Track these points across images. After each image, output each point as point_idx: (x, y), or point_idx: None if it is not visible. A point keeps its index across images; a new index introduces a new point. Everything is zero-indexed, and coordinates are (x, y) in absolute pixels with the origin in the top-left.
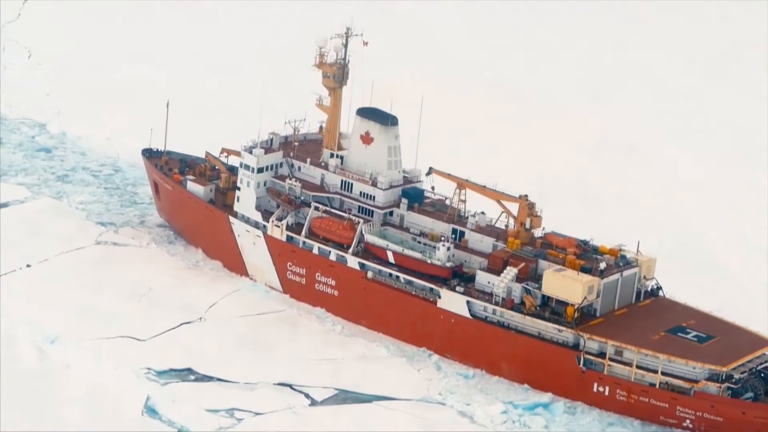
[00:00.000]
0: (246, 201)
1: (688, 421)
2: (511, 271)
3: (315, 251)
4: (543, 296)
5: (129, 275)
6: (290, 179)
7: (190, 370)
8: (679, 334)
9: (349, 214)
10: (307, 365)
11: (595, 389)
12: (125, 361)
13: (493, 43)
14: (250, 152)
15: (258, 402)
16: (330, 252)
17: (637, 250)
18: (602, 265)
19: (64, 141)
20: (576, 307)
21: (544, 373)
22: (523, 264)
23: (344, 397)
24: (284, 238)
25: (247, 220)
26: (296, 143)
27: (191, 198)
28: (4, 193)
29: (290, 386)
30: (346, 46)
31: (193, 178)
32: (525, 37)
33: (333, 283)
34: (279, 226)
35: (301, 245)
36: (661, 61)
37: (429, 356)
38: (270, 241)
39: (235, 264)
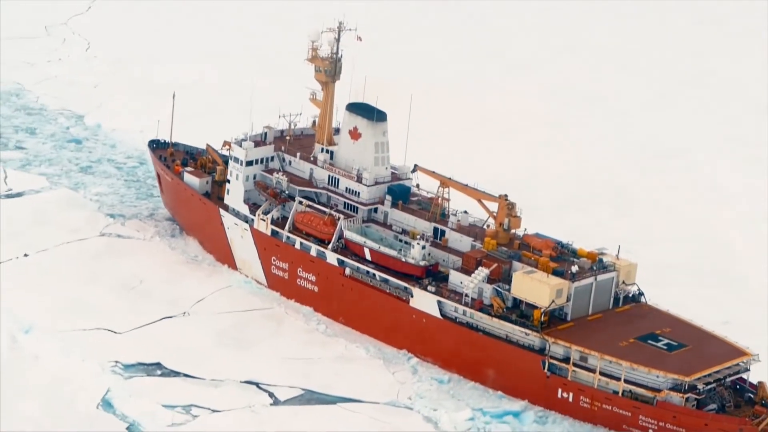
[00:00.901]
0: (235, 194)
1: (650, 430)
2: (482, 272)
3: (297, 246)
4: (514, 299)
5: (124, 268)
6: (278, 173)
7: (158, 365)
8: (649, 341)
9: (334, 209)
10: (280, 364)
11: (559, 395)
12: (94, 354)
13: (522, 41)
14: (240, 145)
15: (218, 399)
16: (311, 247)
17: (617, 255)
18: (574, 269)
19: (97, 133)
20: (543, 310)
21: (510, 376)
22: (495, 265)
23: (309, 397)
24: (269, 232)
25: (236, 214)
26: (288, 137)
27: (187, 190)
28: (22, 183)
29: (257, 385)
30: (338, 40)
31: (191, 170)
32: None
33: (313, 279)
34: (264, 220)
35: (284, 240)
36: (734, 67)
37: (408, 359)
38: (256, 234)
39: (226, 257)
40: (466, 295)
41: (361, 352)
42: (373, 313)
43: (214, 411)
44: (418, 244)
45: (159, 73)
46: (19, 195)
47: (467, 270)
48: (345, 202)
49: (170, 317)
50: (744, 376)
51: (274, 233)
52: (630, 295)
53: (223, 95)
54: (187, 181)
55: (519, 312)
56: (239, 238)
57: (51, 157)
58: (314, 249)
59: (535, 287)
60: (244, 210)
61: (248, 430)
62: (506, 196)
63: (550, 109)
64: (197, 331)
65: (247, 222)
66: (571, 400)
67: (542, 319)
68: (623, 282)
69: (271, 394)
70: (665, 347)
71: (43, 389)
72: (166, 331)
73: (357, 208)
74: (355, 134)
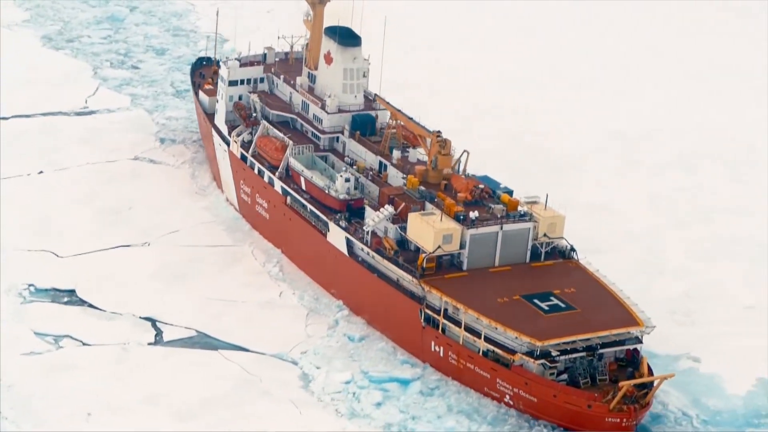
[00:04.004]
0: (219, 114)
1: (508, 396)
2: (385, 211)
3: (256, 171)
4: (408, 241)
5: (125, 192)
6: (254, 94)
7: (71, 293)
8: (535, 300)
9: (289, 135)
10: (195, 304)
11: (432, 348)
12: (13, 275)
13: None
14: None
15: (99, 333)
16: (264, 173)
17: (546, 205)
18: (473, 214)
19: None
20: (425, 256)
21: (395, 324)
22: (403, 204)
23: (196, 341)
24: (239, 156)
25: (220, 134)
26: (290, 60)
27: (198, 108)
28: (104, 101)
29: (154, 322)
30: None
31: (208, 89)
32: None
33: (265, 206)
34: (237, 142)
35: (248, 164)
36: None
37: (339, 311)
38: (231, 156)
39: (218, 179)
40: (367, 233)
41: (293, 300)
42: (301, 246)
43: (84, 344)
44: (341, 176)
45: None
46: (90, 113)
47: (381, 207)
48: (311, 130)
49: (127, 246)
50: (638, 348)
51: (243, 157)
52: (559, 250)
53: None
54: (201, 99)
55: (411, 255)
56: (222, 160)
57: (157, 78)
58: (267, 175)
59: (423, 230)
60: (225, 130)
61: (104, 367)
62: (439, 132)
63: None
64: (141, 263)
65: (226, 143)
66: (441, 354)
67: (425, 265)
68: (545, 235)
69: (159, 333)
70: (547, 308)
71: None
72: (107, 260)
73: (319, 136)
74: (328, 58)
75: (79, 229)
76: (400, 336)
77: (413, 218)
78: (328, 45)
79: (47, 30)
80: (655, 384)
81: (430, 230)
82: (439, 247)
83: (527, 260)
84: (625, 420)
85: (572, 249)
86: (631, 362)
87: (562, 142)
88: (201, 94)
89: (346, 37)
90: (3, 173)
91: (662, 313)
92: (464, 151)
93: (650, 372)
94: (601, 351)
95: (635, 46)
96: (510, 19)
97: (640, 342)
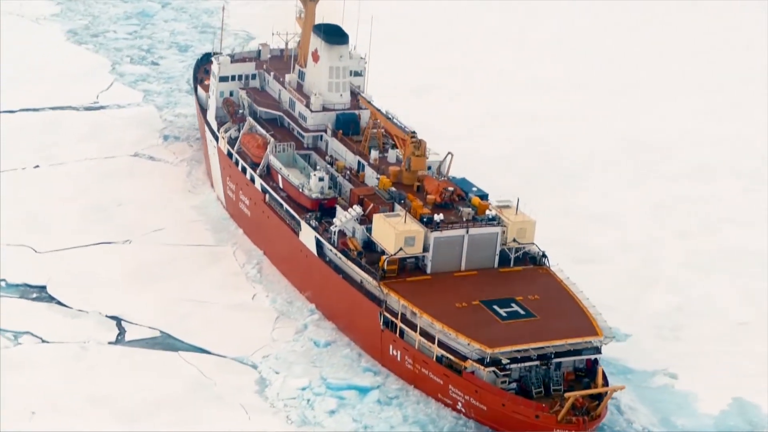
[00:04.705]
0: (210, 110)
1: (460, 404)
2: (353, 211)
3: (239, 168)
4: (372, 243)
5: (117, 189)
6: (243, 91)
7: (42, 289)
8: (494, 306)
9: (272, 133)
10: (166, 304)
11: (390, 352)
12: None
13: None
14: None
15: (60, 331)
16: (247, 171)
17: (517, 210)
18: (438, 217)
19: None
20: (386, 258)
21: (356, 326)
22: (372, 205)
23: (157, 342)
24: (226, 152)
25: (211, 130)
26: (269, 56)
27: (197, 105)
28: (114, 97)
29: (119, 321)
30: None
31: (207, 84)
32: None
33: (247, 203)
34: (224, 138)
35: (233, 160)
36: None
37: (310, 314)
38: (219, 153)
39: (210, 175)
40: (334, 233)
41: (265, 303)
42: (277, 245)
43: (43, 341)
44: (315, 175)
45: None
46: (99, 108)
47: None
48: (296, 128)
49: (108, 243)
50: (598, 358)
51: (229, 154)
52: (530, 256)
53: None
54: (199, 95)
55: (376, 257)
56: (212, 156)
57: (175, 75)
58: (249, 172)
59: (385, 232)
60: (215, 126)
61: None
62: (414, 133)
63: None
64: (118, 261)
65: (216, 139)
66: (399, 359)
67: (386, 267)
68: (514, 240)
69: (121, 333)
70: (505, 314)
71: None
72: (84, 257)
73: (303, 134)
74: (315, 56)
75: (62, 225)
76: (362, 339)
77: (377, 219)
78: (315, 42)
79: (74, 24)
80: (606, 396)
81: (391, 232)
82: (400, 249)
83: (495, 265)
84: None
85: (544, 255)
86: (591, 372)
87: (575, 149)
88: (199, 89)
89: (333, 35)
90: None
91: (648, 326)
92: (448, 153)
93: (606, 383)
94: (558, 360)
95: (659, 54)
96: (531, 22)
97: (599, 352)
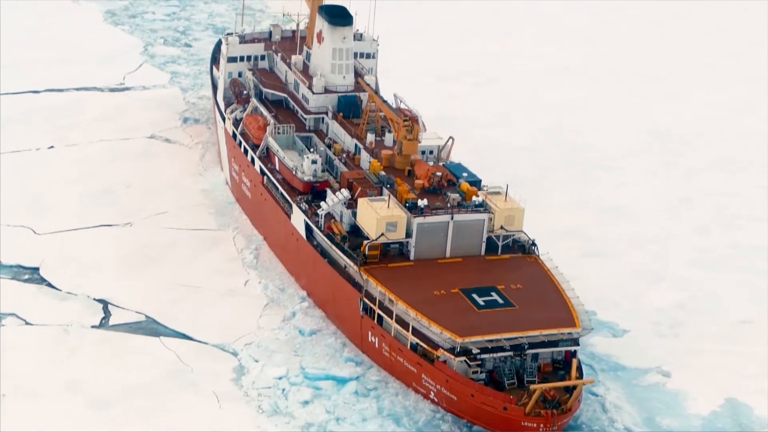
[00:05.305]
0: (220, 90)
1: (432, 393)
2: (340, 195)
3: (242, 149)
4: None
5: (128, 171)
6: (251, 72)
7: (35, 270)
8: (473, 294)
9: (273, 114)
10: (156, 289)
11: (369, 338)
12: None
13: None
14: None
15: (45, 313)
16: (248, 152)
17: (506, 197)
18: (422, 202)
19: None
20: (367, 243)
21: (340, 312)
22: (359, 189)
23: (141, 327)
24: (231, 133)
25: (219, 111)
26: (278, 38)
27: (212, 85)
28: (142, 78)
29: (106, 305)
30: None
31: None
32: None
33: (248, 184)
34: (229, 119)
35: (237, 142)
36: None
37: (301, 302)
38: (226, 134)
39: (220, 157)
40: (321, 217)
41: (257, 289)
42: (273, 227)
43: (27, 324)
44: (308, 158)
45: None
46: (124, 89)
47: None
48: (299, 110)
49: (109, 226)
50: (576, 350)
51: (234, 135)
52: (520, 244)
53: None
54: (214, 76)
55: (359, 242)
56: (221, 137)
57: (206, 57)
58: (250, 154)
59: (368, 216)
60: (223, 107)
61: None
62: (406, 118)
63: None
64: (116, 244)
65: (223, 120)
66: (377, 345)
67: (367, 252)
68: (502, 227)
69: (106, 317)
70: (483, 303)
71: None
72: (82, 239)
73: (305, 116)
74: (319, 37)
75: (66, 207)
76: (345, 325)
77: (362, 204)
78: (320, 24)
79: (113, 5)
80: (576, 389)
81: (373, 216)
82: (382, 234)
83: (482, 253)
84: (542, 425)
85: (533, 243)
86: (569, 365)
87: (600, 140)
88: (215, 70)
89: (336, 16)
90: (14, 146)
91: (647, 323)
92: (450, 137)
93: (580, 376)
94: (534, 351)
95: (691, 46)
96: (563, 10)
97: (577, 344)
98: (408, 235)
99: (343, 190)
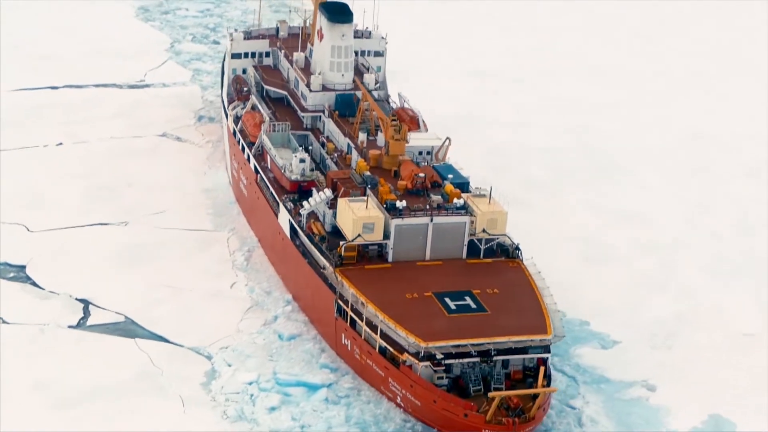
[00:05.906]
0: (225, 87)
1: (399, 398)
2: (322, 195)
3: (240, 147)
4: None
5: (133, 169)
6: (254, 69)
7: (21, 269)
8: (446, 298)
9: (272, 111)
10: (140, 289)
11: (342, 340)
12: None
13: None
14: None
15: (23, 312)
16: (245, 150)
17: (490, 199)
18: (401, 204)
19: None
20: (343, 244)
21: (316, 313)
22: (342, 189)
23: (118, 328)
24: (231, 130)
25: (224, 108)
26: (285, 34)
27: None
28: (163, 75)
29: (87, 304)
30: None
31: None
32: None
33: (246, 182)
34: (231, 116)
35: (237, 140)
36: None
37: (285, 305)
38: (228, 131)
39: (225, 155)
40: (303, 217)
41: (242, 292)
42: (263, 227)
43: (3, 323)
44: (296, 157)
45: None
46: (144, 86)
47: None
48: (297, 108)
49: (104, 224)
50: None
51: (234, 133)
52: (503, 248)
53: None
54: (225, 68)
55: (336, 243)
56: (224, 135)
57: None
58: (246, 152)
59: (346, 217)
60: (227, 104)
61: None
62: (394, 117)
63: None
64: (107, 243)
65: (226, 117)
66: (349, 348)
67: (343, 253)
68: (484, 230)
69: (85, 317)
70: (454, 308)
71: None
72: (77, 237)
73: (303, 114)
74: (320, 35)
75: (64, 205)
76: (321, 327)
77: (341, 204)
78: (320, 21)
79: (148, 2)
80: (538, 397)
81: (350, 217)
82: (359, 235)
83: (464, 256)
84: None
85: (516, 247)
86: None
87: (623, 141)
88: (225, 63)
89: (335, 13)
90: (22, 143)
91: (641, 334)
92: (447, 138)
93: (548, 384)
94: (505, 358)
95: (726, 49)
96: (594, 11)
97: (548, 351)
98: (386, 236)
99: (326, 189)
